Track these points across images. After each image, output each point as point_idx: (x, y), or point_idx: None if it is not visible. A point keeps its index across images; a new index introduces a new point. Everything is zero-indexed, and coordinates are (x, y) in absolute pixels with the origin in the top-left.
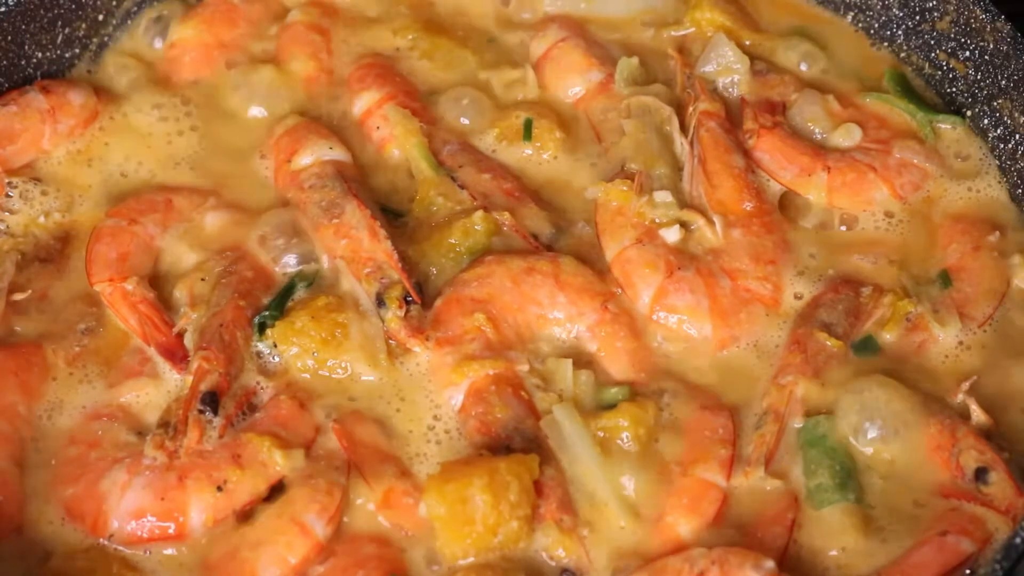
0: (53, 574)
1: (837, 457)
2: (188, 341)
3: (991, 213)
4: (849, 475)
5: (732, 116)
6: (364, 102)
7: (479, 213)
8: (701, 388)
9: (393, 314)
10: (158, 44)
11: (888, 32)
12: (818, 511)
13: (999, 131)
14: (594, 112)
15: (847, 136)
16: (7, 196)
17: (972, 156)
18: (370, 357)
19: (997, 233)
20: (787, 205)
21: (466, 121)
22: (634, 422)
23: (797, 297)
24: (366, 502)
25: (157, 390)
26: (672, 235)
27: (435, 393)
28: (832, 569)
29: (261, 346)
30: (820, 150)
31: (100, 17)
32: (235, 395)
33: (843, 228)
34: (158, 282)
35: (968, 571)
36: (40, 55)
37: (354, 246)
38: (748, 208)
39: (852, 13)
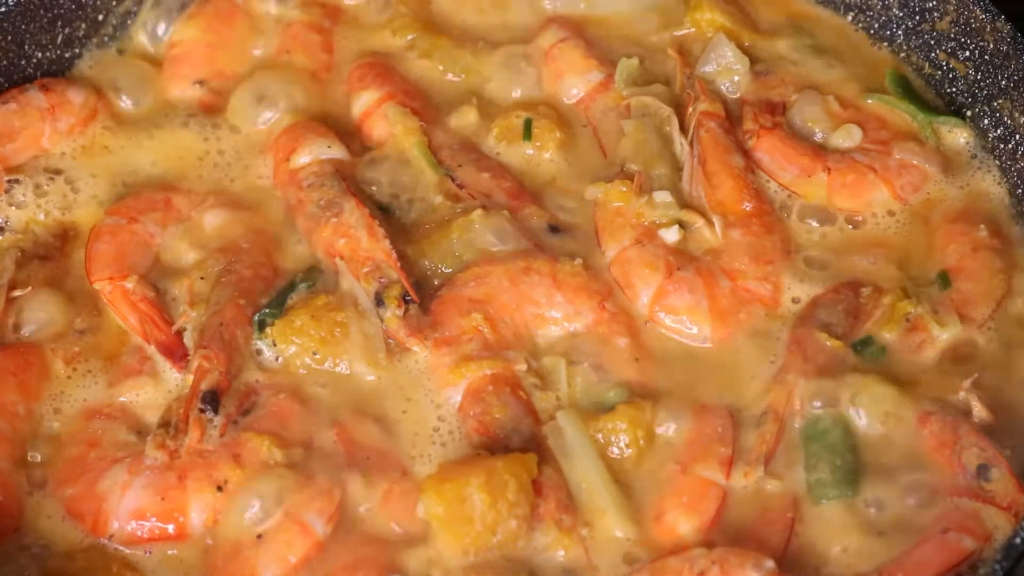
0: (53, 574)
1: (838, 452)
2: (188, 340)
3: (991, 214)
4: (849, 471)
5: (732, 116)
6: (364, 101)
7: (478, 212)
8: (700, 388)
9: (392, 313)
10: (159, 43)
11: (888, 32)
12: (818, 507)
13: (999, 131)
14: (594, 112)
15: (847, 137)
16: (6, 194)
17: (972, 157)
18: (369, 356)
19: (984, 227)
20: None
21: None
22: (632, 424)
23: (795, 301)
24: (366, 501)
25: (157, 389)
26: (671, 235)
27: (435, 393)
28: (833, 568)
29: (261, 344)
30: (820, 151)
31: (100, 17)
32: (235, 394)
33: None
34: (157, 281)
35: (969, 569)
36: (40, 55)
37: (353, 245)
38: (747, 208)
39: (852, 13)
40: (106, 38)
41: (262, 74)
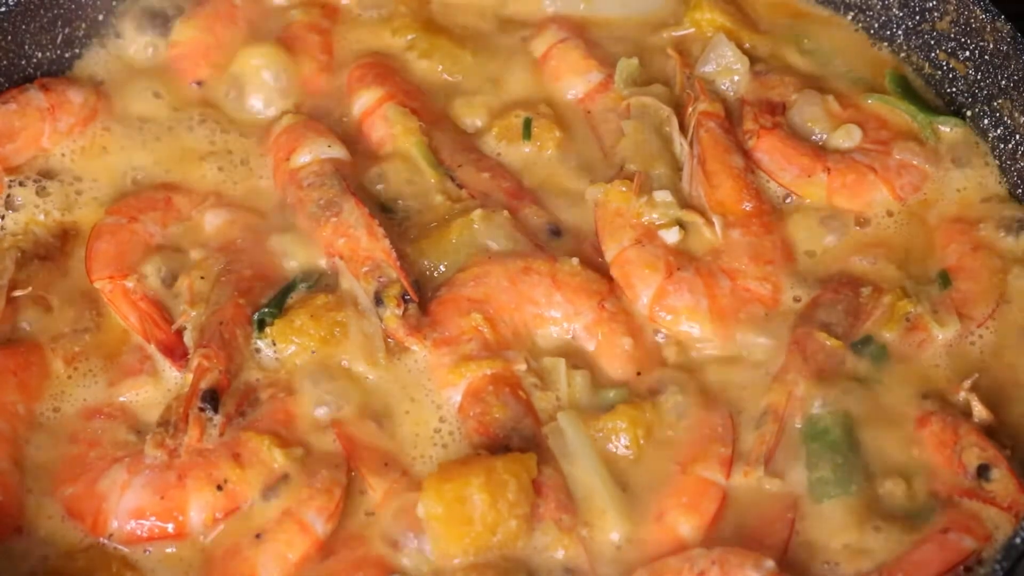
0: (53, 573)
1: (839, 450)
2: (188, 339)
3: (991, 213)
4: (851, 470)
5: (732, 116)
6: (364, 102)
7: (478, 212)
8: (699, 388)
9: (391, 313)
10: (159, 43)
11: (888, 32)
12: (819, 505)
13: (999, 131)
14: (594, 112)
15: (847, 137)
16: (7, 194)
17: (972, 157)
18: (369, 356)
19: (982, 226)
20: None
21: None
22: (632, 424)
23: (796, 300)
24: (366, 501)
25: (157, 388)
26: (671, 236)
27: (435, 393)
28: (833, 567)
29: (260, 343)
30: (820, 151)
31: (100, 17)
32: (235, 393)
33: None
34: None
35: (969, 568)
36: (40, 55)
37: (352, 244)
38: (747, 208)
39: (852, 13)
40: (106, 38)
41: (261, 74)
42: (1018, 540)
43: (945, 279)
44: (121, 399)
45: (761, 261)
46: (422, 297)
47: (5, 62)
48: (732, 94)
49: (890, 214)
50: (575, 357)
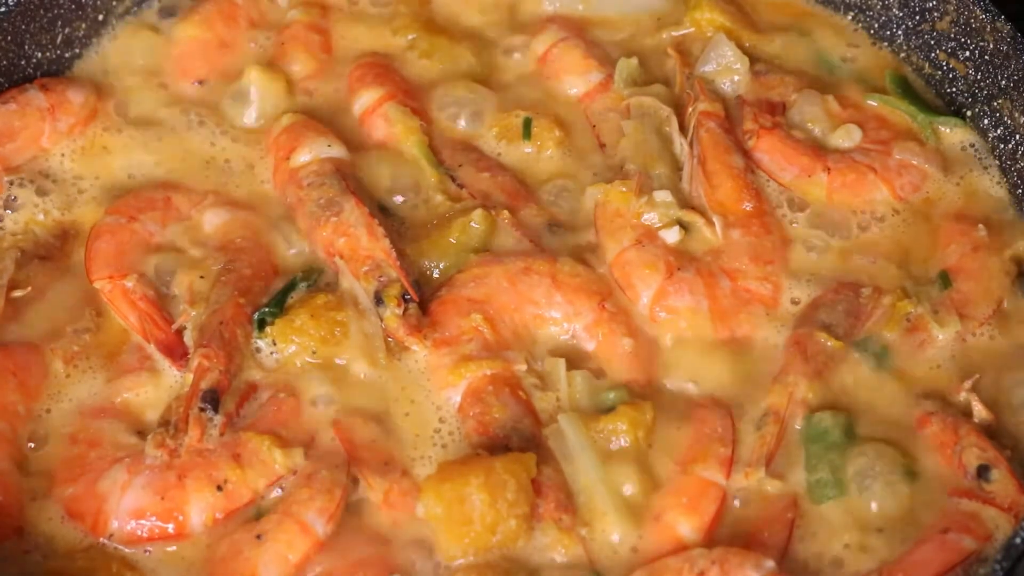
0: (53, 574)
1: (839, 452)
2: (187, 338)
3: (991, 213)
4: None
5: (732, 116)
6: (364, 101)
7: (478, 211)
8: (700, 388)
9: (391, 312)
10: (158, 43)
11: (888, 32)
12: (819, 506)
13: (999, 131)
14: (593, 113)
15: (847, 137)
16: (6, 194)
17: (972, 157)
18: (369, 356)
19: (982, 227)
20: None
21: (463, 124)
22: (632, 425)
23: (795, 302)
24: (367, 501)
25: (157, 388)
26: (672, 236)
27: (435, 393)
28: (833, 568)
29: (261, 343)
30: (820, 151)
31: (100, 17)
32: (235, 393)
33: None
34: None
35: (969, 569)
36: (40, 55)
37: (352, 244)
38: (747, 208)
39: (852, 13)
40: (106, 38)
41: (262, 75)
42: (1018, 540)
43: (945, 279)
44: (121, 399)
45: (761, 261)
46: (422, 297)
47: (5, 62)
48: (732, 94)
49: (890, 214)
50: (575, 357)
